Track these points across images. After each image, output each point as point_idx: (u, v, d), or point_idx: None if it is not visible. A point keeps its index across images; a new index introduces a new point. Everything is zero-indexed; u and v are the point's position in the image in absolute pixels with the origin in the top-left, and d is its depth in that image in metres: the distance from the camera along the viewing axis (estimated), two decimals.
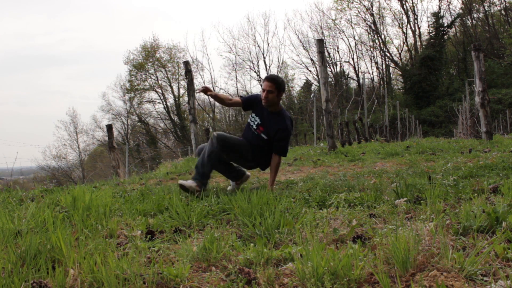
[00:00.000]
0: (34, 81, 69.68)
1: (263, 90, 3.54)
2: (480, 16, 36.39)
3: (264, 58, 40.96)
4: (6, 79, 65.52)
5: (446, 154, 5.76)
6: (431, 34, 33.60)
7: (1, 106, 65.30)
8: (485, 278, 1.33)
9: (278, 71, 39.99)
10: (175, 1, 69.80)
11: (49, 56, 69.89)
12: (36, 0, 74.09)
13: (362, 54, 40.24)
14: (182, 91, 39.84)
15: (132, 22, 69.77)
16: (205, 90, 3.55)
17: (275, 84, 3.52)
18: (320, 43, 7.72)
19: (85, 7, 69.12)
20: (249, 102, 3.75)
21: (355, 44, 39.96)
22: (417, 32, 37.75)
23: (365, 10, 38.43)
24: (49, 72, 71.34)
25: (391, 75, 40.38)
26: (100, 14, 69.52)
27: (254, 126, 3.63)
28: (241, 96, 3.82)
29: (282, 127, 3.55)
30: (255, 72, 39.97)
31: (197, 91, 3.59)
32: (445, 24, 33.64)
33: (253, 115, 3.68)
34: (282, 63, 42.71)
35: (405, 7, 37.51)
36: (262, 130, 3.59)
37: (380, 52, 39.36)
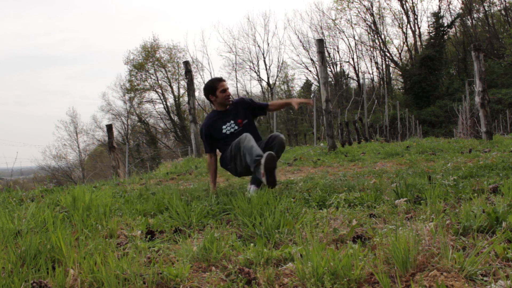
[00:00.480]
0: (34, 81, 69.73)
1: (224, 90, 3.68)
2: (480, 16, 36.39)
3: (264, 58, 40.90)
4: (6, 79, 65.60)
5: (446, 154, 5.76)
6: (431, 34, 33.59)
7: (1, 106, 65.37)
8: (485, 278, 1.33)
9: (278, 71, 40.02)
10: (175, 1, 69.84)
11: (49, 56, 69.94)
12: (36, 0, 74.11)
13: (362, 54, 40.26)
14: (182, 91, 39.85)
15: (132, 22, 69.78)
16: None
17: (225, 80, 3.80)
18: (320, 43, 7.72)
19: (85, 7, 69.18)
20: (211, 134, 3.73)
21: (355, 44, 39.99)
22: (417, 32, 37.77)
23: (365, 10, 38.45)
24: (49, 72, 71.38)
25: (391, 75, 40.40)
26: (100, 14, 69.55)
27: (236, 127, 3.70)
28: (209, 151, 3.80)
29: (241, 100, 3.85)
30: (255, 72, 39.97)
31: None
32: (445, 24, 33.63)
33: (224, 126, 3.70)
34: (282, 63, 42.73)
35: (405, 7, 37.52)
36: (241, 121, 3.72)
37: (380, 52, 39.37)
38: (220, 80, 3.71)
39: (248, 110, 3.78)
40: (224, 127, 3.69)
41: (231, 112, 3.74)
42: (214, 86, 3.67)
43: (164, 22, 69.35)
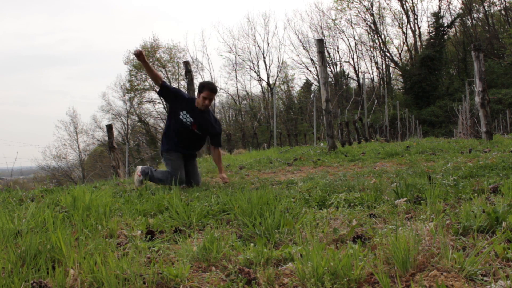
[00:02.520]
0: (35, 81, 69.69)
1: (205, 98, 4.07)
2: (480, 16, 36.41)
3: (264, 58, 40.97)
4: (7, 79, 65.58)
5: (446, 154, 5.76)
6: (431, 34, 33.62)
7: (2, 106, 65.30)
8: (485, 278, 1.33)
9: (278, 71, 40.03)
10: (175, 1, 69.80)
11: (49, 56, 69.89)
12: (37, 0, 73.96)
13: (362, 54, 40.31)
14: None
15: (132, 22, 69.77)
16: (138, 54, 3.85)
17: (215, 93, 4.18)
18: (320, 43, 7.72)
19: (85, 7, 69.11)
20: (173, 95, 4.17)
21: (355, 44, 40.03)
22: (417, 32, 37.80)
23: (365, 10, 38.48)
24: (49, 72, 71.35)
25: (391, 75, 40.42)
26: (100, 14, 69.54)
27: (188, 123, 4.12)
28: (163, 82, 4.14)
29: (214, 119, 4.32)
30: (255, 72, 40.01)
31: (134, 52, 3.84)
32: (445, 24, 33.68)
33: (184, 112, 4.11)
34: (282, 63, 42.65)
35: (405, 7, 37.55)
36: (196, 127, 4.14)
37: (380, 52, 39.41)
38: (209, 89, 4.09)
39: (209, 129, 4.26)
40: (184, 112, 4.11)
41: (199, 113, 4.15)
42: (201, 89, 4.09)
43: (164, 22, 69.35)
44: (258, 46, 42.57)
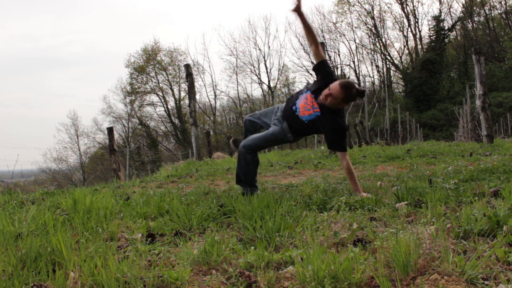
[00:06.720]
0: (41, 83, 69.47)
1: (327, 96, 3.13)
2: (481, 19, 36.44)
3: (265, 61, 41.15)
4: (13, 82, 65.43)
5: (447, 157, 5.75)
6: (431, 37, 33.69)
7: (8, 108, 65.21)
8: (486, 282, 1.32)
9: (279, 74, 40.08)
10: (177, 5, 69.90)
11: (56, 58, 69.65)
12: (42, 1, 73.90)
13: (363, 57, 40.41)
14: (183, 94, 39.91)
15: (138, 25, 69.59)
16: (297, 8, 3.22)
17: (344, 96, 3.09)
18: (321, 46, 7.73)
19: (91, 8, 68.96)
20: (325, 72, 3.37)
21: (356, 47, 40.07)
22: (418, 36, 37.84)
23: (366, 14, 38.53)
24: (55, 74, 71.08)
25: (391, 79, 40.43)
26: (106, 16, 69.46)
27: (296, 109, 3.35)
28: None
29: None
30: (256, 75, 40.04)
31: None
32: (446, 28, 33.75)
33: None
34: (283, 66, 42.61)
35: (406, 10, 37.60)
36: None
37: (381, 55, 39.45)
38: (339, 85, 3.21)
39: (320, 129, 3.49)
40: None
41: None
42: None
43: (167, 25, 69.31)
44: (259, 49, 42.57)
